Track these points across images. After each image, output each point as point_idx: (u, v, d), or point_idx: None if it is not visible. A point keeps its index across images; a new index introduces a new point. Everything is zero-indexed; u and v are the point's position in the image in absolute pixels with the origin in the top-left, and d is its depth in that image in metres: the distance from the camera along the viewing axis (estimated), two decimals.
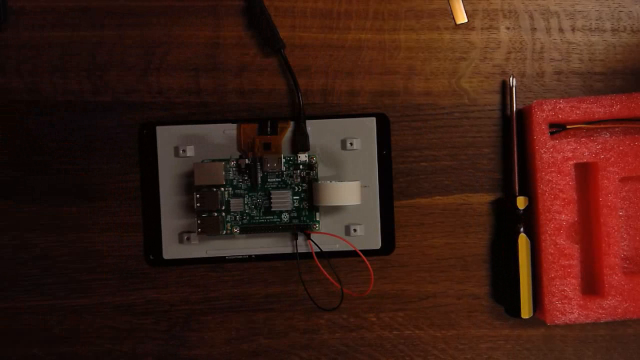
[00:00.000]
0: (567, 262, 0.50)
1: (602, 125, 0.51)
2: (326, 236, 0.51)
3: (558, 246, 0.50)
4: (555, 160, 0.50)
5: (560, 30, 0.53)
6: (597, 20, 0.53)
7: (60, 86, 0.52)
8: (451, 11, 0.53)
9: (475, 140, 0.53)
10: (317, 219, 0.51)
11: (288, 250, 0.52)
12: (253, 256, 0.52)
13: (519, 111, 0.52)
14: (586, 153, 0.51)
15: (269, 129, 0.51)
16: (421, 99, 0.53)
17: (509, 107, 0.52)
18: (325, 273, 0.51)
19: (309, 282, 0.52)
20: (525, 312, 0.51)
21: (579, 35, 0.53)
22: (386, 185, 0.52)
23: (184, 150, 0.51)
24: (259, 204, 0.51)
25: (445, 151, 0.53)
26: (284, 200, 0.51)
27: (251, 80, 0.52)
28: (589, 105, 0.51)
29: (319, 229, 0.51)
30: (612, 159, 0.51)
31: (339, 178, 0.52)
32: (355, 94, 0.53)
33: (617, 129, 0.52)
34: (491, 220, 0.53)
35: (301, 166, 0.51)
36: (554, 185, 0.50)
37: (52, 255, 0.52)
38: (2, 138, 0.52)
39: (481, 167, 0.53)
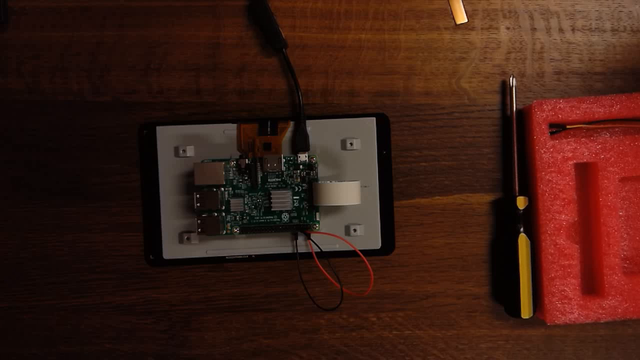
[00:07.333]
0: (567, 262, 0.50)
1: (602, 125, 0.51)
2: (326, 236, 0.51)
3: (558, 246, 0.50)
4: (555, 160, 0.50)
5: (560, 30, 0.53)
6: (597, 20, 0.53)
7: (60, 86, 0.52)
8: (451, 11, 0.53)
9: (475, 140, 0.53)
10: (317, 219, 0.51)
11: (288, 250, 0.52)
12: (253, 256, 0.52)
13: (519, 111, 0.52)
14: (586, 153, 0.51)
15: (269, 129, 0.51)
16: (421, 99, 0.53)
17: (509, 107, 0.52)
18: (325, 273, 0.51)
19: (309, 282, 0.52)
20: (525, 312, 0.51)
21: (579, 35, 0.53)
22: (386, 185, 0.52)
23: (184, 150, 0.51)
24: (259, 204, 0.51)
25: (445, 151, 0.53)
26: (284, 200, 0.51)
27: (251, 80, 0.52)
28: (589, 105, 0.51)
29: (319, 229, 0.51)
30: (612, 159, 0.51)
31: (339, 178, 0.52)
32: (355, 94, 0.53)
33: (617, 129, 0.52)
34: (491, 220, 0.53)
35: (301, 166, 0.51)
36: (554, 185, 0.50)
37: (52, 255, 0.52)
38: (2, 138, 0.52)
39: (481, 167, 0.53)
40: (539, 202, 0.50)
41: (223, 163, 0.50)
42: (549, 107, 0.50)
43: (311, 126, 0.52)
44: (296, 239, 0.52)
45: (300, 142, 0.51)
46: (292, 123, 0.52)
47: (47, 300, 0.52)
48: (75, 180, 0.52)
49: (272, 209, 0.51)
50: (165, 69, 0.52)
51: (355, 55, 0.53)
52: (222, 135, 0.51)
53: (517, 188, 0.51)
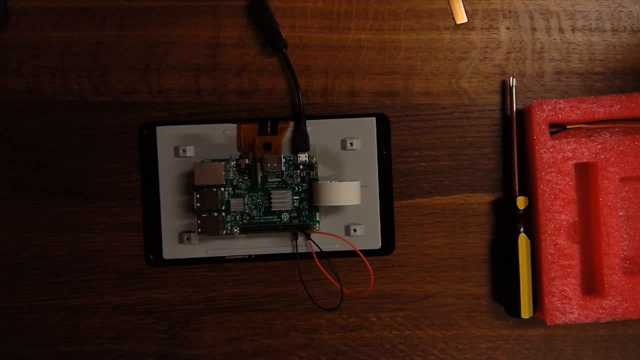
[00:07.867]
0: (567, 262, 0.50)
1: (602, 125, 0.51)
2: (326, 236, 0.51)
3: (558, 246, 0.50)
4: (555, 160, 0.50)
5: (560, 30, 0.53)
6: (597, 20, 0.53)
7: (60, 86, 0.52)
8: (451, 11, 0.53)
9: (475, 140, 0.53)
10: (317, 219, 0.51)
11: (288, 250, 0.52)
12: (253, 256, 0.52)
13: (519, 111, 0.52)
14: (586, 153, 0.51)
15: (269, 129, 0.51)
16: (421, 99, 0.53)
17: (509, 107, 0.52)
18: (325, 273, 0.51)
19: (309, 282, 0.52)
20: (525, 312, 0.51)
21: (579, 35, 0.53)
22: (386, 185, 0.52)
23: (184, 150, 0.51)
24: (259, 204, 0.51)
25: (445, 151, 0.53)
26: (284, 200, 0.51)
27: (251, 80, 0.52)
28: (589, 105, 0.51)
29: (319, 229, 0.51)
30: (612, 159, 0.51)
31: (339, 178, 0.52)
32: (355, 94, 0.53)
33: (617, 129, 0.52)
34: (491, 220, 0.53)
35: (301, 166, 0.51)
36: (554, 185, 0.50)
37: (52, 255, 0.52)
38: (2, 138, 0.52)
39: (481, 167, 0.53)
40: (539, 202, 0.50)
41: (223, 163, 0.50)
42: (549, 107, 0.50)
43: (311, 126, 0.52)
44: (296, 239, 0.52)
45: (300, 142, 0.51)
46: (292, 123, 0.52)
47: (47, 300, 0.52)
48: (75, 180, 0.52)
49: (272, 209, 0.51)
50: (165, 69, 0.52)
51: (355, 55, 0.53)
52: (222, 135, 0.51)
53: (517, 188, 0.51)
